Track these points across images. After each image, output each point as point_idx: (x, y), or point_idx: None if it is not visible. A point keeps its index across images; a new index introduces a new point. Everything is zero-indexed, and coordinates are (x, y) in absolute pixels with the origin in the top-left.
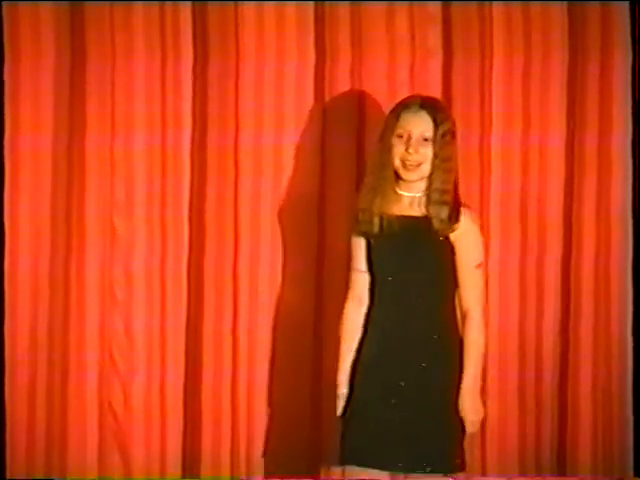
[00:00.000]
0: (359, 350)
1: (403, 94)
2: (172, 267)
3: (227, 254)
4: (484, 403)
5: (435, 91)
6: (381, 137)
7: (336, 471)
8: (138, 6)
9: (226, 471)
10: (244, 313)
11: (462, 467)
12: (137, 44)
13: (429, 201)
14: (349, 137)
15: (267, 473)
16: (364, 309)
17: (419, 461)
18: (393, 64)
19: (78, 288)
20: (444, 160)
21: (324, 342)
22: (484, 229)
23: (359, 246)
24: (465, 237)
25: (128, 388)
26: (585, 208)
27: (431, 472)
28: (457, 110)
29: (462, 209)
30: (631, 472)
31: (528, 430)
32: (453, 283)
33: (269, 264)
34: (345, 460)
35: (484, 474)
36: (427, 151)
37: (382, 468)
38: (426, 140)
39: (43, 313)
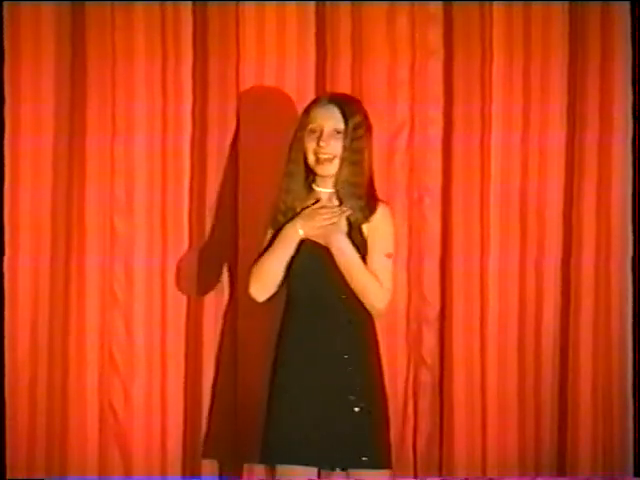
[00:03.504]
0: (277, 346)
1: (403, 94)
2: (172, 267)
3: (227, 254)
4: (484, 404)
5: (435, 91)
6: (294, 137)
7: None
8: (139, 7)
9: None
10: (244, 312)
11: (389, 464)
12: (138, 44)
13: (341, 193)
14: None
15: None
16: None
17: (344, 456)
18: (393, 64)
19: (78, 287)
20: (354, 152)
21: None
22: (484, 229)
23: (269, 232)
24: (378, 228)
25: (128, 387)
26: (585, 208)
27: (357, 467)
28: (457, 110)
29: (378, 202)
30: (631, 472)
31: (528, 430)
32: None
33: None
34: (272, 458)
35: (484, 474)
36: (338, 144)
37: (309, 464)
38: (338, 133)
39: (43, 312)
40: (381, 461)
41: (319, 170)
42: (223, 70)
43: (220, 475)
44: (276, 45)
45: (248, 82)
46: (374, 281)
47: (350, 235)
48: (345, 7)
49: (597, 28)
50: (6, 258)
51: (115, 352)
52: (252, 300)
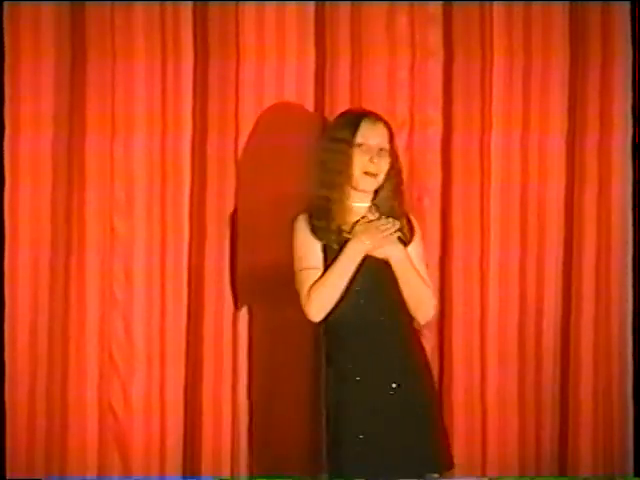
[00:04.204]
0: (336, 362)
1: (403, 94)
2: (172, 267)
3: (227, 254)
4: (484, 404)
5: (435, 91)
6: (336, 148)
7: None
8: (138, 7)
9: (226, 471)
10: (244, 312)
11: (451, 464)
12: (137, 44)
13: (381, 209)
14: None
15: (266, 473)
16: None
17: (412, 467)
18: (393, 64)
19: (78, 288)
20: (398, 172)
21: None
22: (484, 229)
23: (314, 247)
24: (417, 246)
25: (128, 388)
26: (585, 208)
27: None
28: (457, 110)
29: (411, 218)
30: (631, 472)
31: (528, 430)
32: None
33: (268, 263)
34: (344, 473)
35: (484, 474)
36: (385, 162)
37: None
38: (382, 150)
39: (43, 313)
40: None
41: (364, 184)
42: (223, 70)
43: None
44: (276, 45)
45: (248, 82)
46: (427, 288)
47: None
48: (345, 7)
49: (597, 28)
50: (6, 258)
51: (115, 353)
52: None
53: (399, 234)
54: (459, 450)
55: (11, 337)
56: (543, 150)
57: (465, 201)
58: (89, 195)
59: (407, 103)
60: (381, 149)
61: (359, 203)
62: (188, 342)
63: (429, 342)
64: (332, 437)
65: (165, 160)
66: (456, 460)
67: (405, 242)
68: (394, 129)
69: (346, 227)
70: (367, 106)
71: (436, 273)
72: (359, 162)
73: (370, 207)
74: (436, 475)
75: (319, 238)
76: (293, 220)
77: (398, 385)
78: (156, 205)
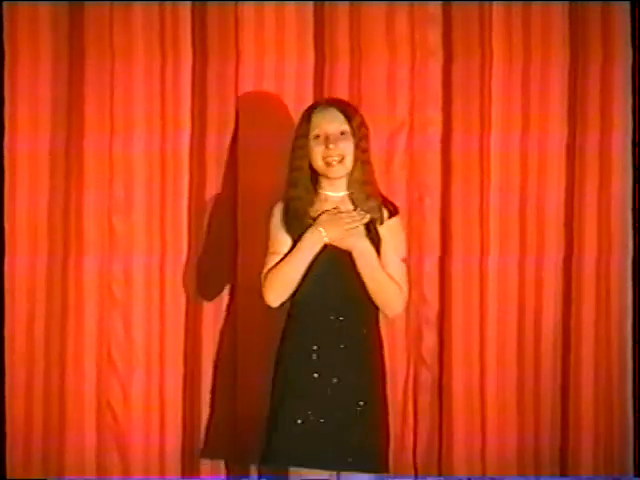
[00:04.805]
0: (282, 346)
1: (403, 94)
2: (171, 266)
3: (226, 253)
4: (484, 404)
5: (435, 91)
6: (295, 145)
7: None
8: (137, 6)
9: (224, 470)
10: (243, 312)
11: (387, 468)
12: (136, 45)
13: (355, 195)
14: None
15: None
16: None
17: (346, 459)
18: (393, 64)
19: (77, 287)
20: (363, 151)
21: None
22: (484, 229)
23: (282, 236)
24: (393, 229)
25: (127, 387)
26: (585, 208)
27: (358, 470)
28: (457, 110)
29: (392, 205)
30: (631, 472)
31: (528, 430)
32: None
33: None
34: (276, 460)
35: (484, 474)
36: (346, 145)
37: (312, 466)
38: (343, 134)
39: (41, 313)
40: (373, 464)
41: (330, 173)
42: (222, 70)
43: (227, 475)
44: (275, 45)
45: (247, 82)
46: (393, 284)
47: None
48: (344, 7)
49: (597, 28)
50: (4, 258)
51: (114, 352)
52: (247, 300)
53: (362, 223)
54: (459, 450)
55: (10, 337)
56: (543, 150)
57: (465, 201)
58: (88, 194)
59: (407, 103)
60: (342, 132)
61: (333, 192)
62: (187, 341)
63: (429, 342)
64: (271, 417)
65: (164, 159)
66: (456, 459)
67: (380, 222)
68: (394, 129)
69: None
70: (367, 106)
71: (436, 273)
72: (317, 152)
73: (344, 196)
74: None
75: (290, 233)
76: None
77: (338, 380)
78: (155, 205)
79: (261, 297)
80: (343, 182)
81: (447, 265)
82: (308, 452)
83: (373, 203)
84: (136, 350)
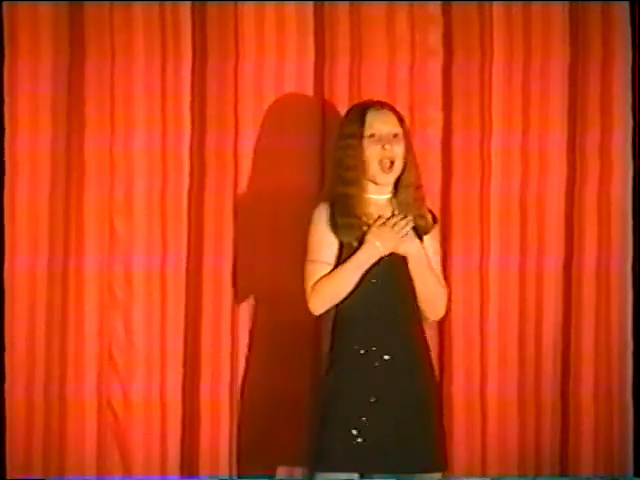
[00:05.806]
0: (332, 350)
1: (403, 94)
2: (171, 266)
3: (226, 254)
4: (484, 404)
5: (435, 91)
6: (346, 144)
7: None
8: (137, 6)
9: (225, 470)
10: (243, 312)
11: (445, 466)
12: (136, 44)
13: (402, 198)
14: None
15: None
16: None
17: (405, 464)
18: (393, 64)
19: (77, 288)
20: (414, 155)
21: (323, 341)
22: (484, 229)
23: (329, 241)
24: (433, 239)
25: (127, 387)
26: (585, 208)
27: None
28: (457, 110)
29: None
30: (631, 472)
31: (528, 430)
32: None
33: (268, 263)
34: (327, 466)
35: (484, 474)
36: (399, 148)
37: (368, 474)
38: (395, 136)
39: (42, 313)
40: (438, 464)
41: (381, 178)
42: (222, 70)
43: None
44: (275, 45)
45: (247, 82)
46: (440, 287)
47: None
48: (344, 7)
49: (597, 28)
50: (5, 258)
51: (114, 352)
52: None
53: (411, 227)
54: (459, 450)
55: (10, 337)
56: (543, 150)
57: (465, 201)
58: (88, 194)
59: (407, 103)
60: (394, 135)
61: (378, 195)
62: (187, 341)
63: (429, 342)
64: (322, 423)
65: (164, 160)
66: (456, 460)
67: (425, 232)
68: None
69: (367, 220)
70: None
71: None
72: (373, 152)
73: (390, 199)
74: (437, 475)
75: (339, 235)
76: (314, 209)
77: (395, 370)
78: (155, 205)
79: (262, 298)
80: (389, 187)
81: (447, 265)
82: (368, 458)
83: (423, 209)
84: (137, 350)
